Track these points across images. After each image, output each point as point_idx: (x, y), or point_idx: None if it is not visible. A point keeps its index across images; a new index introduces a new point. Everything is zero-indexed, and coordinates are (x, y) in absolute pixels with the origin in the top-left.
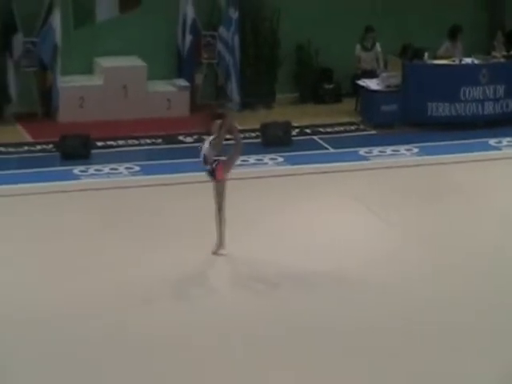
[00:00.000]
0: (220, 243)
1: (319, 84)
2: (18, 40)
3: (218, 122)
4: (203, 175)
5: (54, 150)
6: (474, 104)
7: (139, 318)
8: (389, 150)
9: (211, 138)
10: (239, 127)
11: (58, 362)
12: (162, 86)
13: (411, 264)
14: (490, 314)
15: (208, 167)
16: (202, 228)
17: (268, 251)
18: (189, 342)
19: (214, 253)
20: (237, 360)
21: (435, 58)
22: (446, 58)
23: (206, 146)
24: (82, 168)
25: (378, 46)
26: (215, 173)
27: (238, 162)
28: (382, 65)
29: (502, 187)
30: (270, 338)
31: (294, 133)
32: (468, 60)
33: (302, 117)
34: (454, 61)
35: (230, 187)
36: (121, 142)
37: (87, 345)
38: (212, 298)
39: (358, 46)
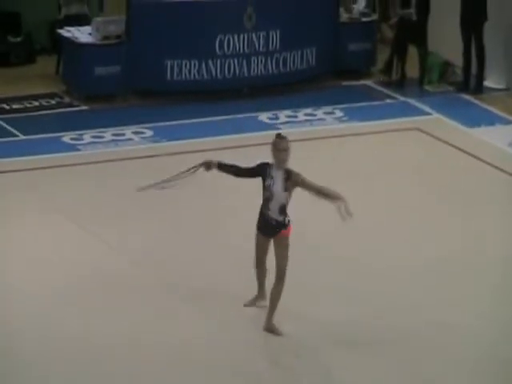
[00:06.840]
0: (261, 295)
1: (0, 36)
2: None
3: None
4: None
5: None
6: (235, 61)
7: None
8: (108, 134)
9: (281, 176)
10: None
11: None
12: None
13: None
14: None
15: (280, 219)
16: None
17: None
18: None
19: (247, 305)
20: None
21: None
22: None
23: (279, 189)
24: None
25: None
26: (284, 229)
27: None
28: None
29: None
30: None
31: None
32: None
33: None
34: None
35: None
36: None
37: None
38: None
39: None
